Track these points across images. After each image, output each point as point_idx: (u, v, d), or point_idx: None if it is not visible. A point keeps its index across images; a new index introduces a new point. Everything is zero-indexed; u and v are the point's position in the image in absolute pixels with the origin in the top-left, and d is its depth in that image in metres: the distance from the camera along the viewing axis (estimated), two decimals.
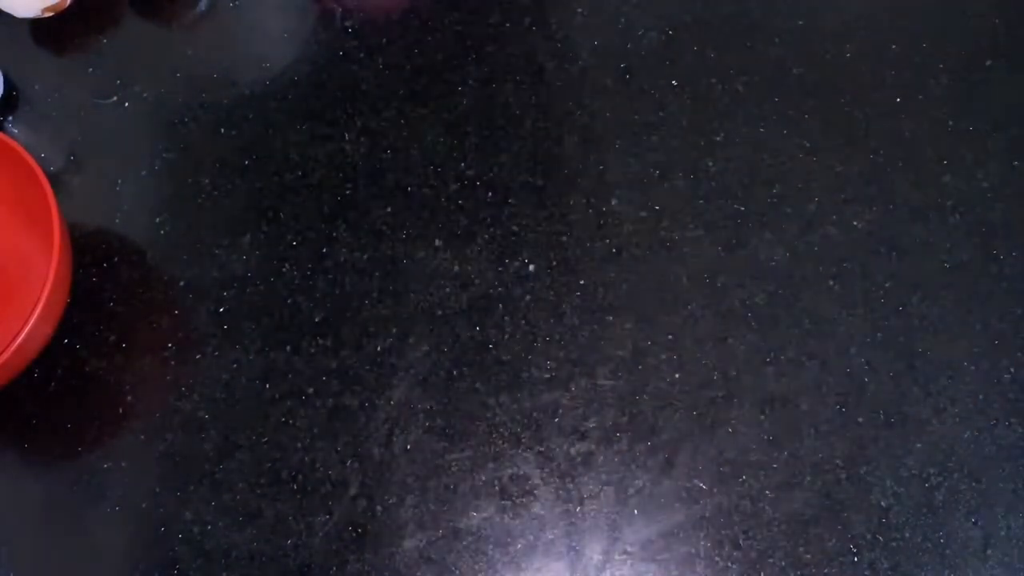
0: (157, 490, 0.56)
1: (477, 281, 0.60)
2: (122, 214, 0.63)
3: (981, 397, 0.57)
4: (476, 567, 0.54)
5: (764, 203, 0.62)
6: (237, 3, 0.70)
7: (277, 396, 0.58)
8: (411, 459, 0.56)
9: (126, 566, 0.55)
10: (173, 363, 0.59)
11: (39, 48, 0.70)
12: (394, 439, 0.57)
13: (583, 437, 0.56)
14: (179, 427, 0.58)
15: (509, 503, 0.55)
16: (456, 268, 0.60)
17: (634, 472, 0.56)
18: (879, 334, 0.58)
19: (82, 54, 0.69)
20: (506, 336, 0.59)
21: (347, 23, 0.68)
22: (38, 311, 0.53)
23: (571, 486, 0.55)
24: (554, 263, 0.60)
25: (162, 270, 0.61)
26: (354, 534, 0.55)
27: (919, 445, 0.56)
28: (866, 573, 0.53)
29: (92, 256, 0.62)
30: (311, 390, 0.58)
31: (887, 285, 0.59)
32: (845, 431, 0.56)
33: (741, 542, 0.54)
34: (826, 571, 0.53)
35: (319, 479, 0.56)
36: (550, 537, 0.54)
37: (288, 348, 0.59)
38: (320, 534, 0.55)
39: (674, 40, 0.66)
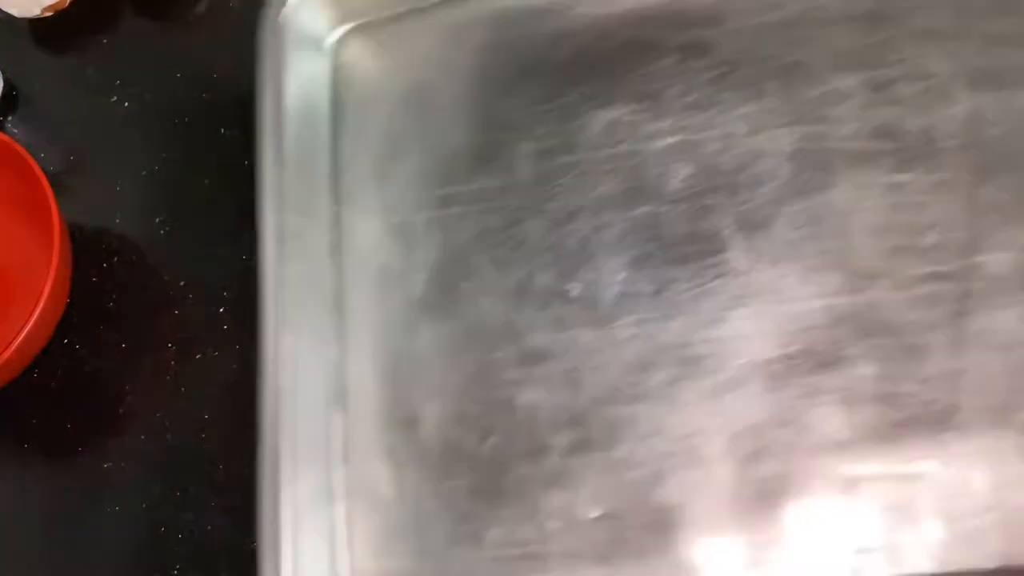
0: (157, 490, 0.56)
1: None
2: (122, 214, 0.63)
3: None
4: None
5: None
6: (237, 3, 0.69)
7: None
8: None
9: (126, 566, 0.55)
10: (173, 363, 0.59)
11: (39, 48, 0.70)
12: None
13: None
14: (179, 427, 0.58)
15: None
16: None
17: None
18: None
19: (82, 54, 0.69)
20: None
21: None
22: (38, 311, 0.53)
23: None
24: None
25: (162, 270, 0.61)
26: None
27: None
28: None
29: (92, 256, 0.62)
30: None
31: None
32: None
33: None
34: None
35: None
36: None
37: None
38: None
39: None
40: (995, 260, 0.49)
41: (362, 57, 0.64)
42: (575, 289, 0.55)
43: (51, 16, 0.68)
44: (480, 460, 0.53)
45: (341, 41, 0.65)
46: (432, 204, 0.59)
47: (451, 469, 0.53)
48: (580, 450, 0.52)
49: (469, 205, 0.58)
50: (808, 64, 0.55)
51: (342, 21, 0.64)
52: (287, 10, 0.62)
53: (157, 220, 0.63)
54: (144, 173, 0.64)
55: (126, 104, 0.66)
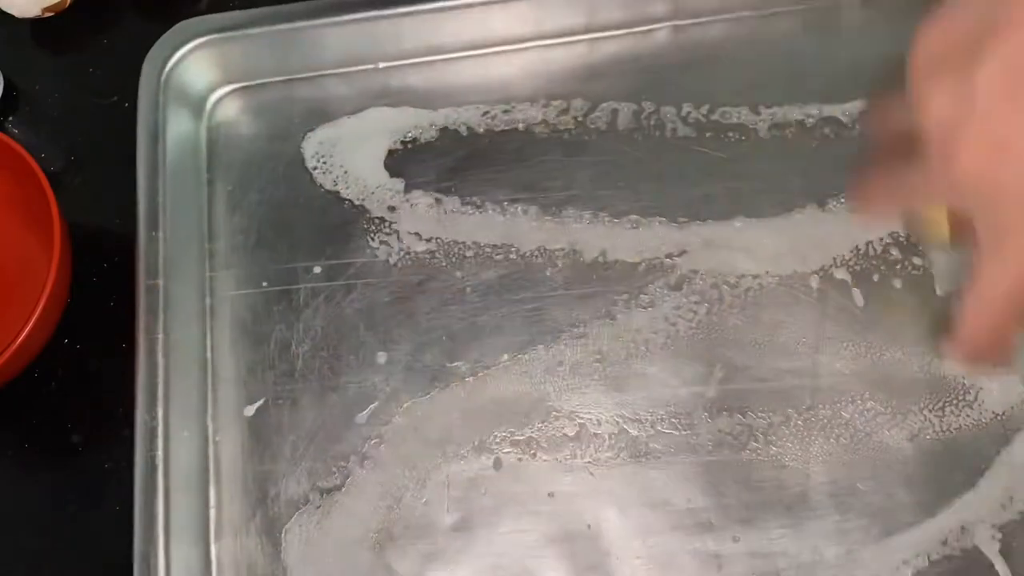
0: None
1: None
2: (122, 214, 0.62)
3: None
4: None
5: None
6: (237, 3, 0.69)
7: None
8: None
9: (126, 566, 0.54)
10: None
11: (39, 48, 0.70)
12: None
13: None
14: None
15: None
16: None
17: None
18: None
19: (82, 54, 0.69)
20: None
21: None
22: (38, 311, 0.54)
23: None
24: None
25: None
26: None
27: None
28: None
29: (92, 256, 0.62)
30: None
31: None
32: None
33: None
34: None
35: None
36: None
37: None
38: None
39: None
40: (838, 358, 0.55)
41: (243, 122, 0.64)
42: (461, 367, 0.57)
43: (51, 16, 0.68)
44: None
45: (221, 102, 0.64)
46: (316, 275, 0.59)
47: None
48: (466, 528, 0.53)
49: (355, 279, 0.59)
50: (679, 169, 0.60)
51: (225, 82, 0.64)
52: (168, 68, 0.61)
53: None
54: None
55: (126, 104, 0.65)
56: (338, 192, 0.61)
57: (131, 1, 0.70)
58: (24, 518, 0.57)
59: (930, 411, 0.54)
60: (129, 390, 0.56)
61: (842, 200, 0.58)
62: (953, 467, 0.53)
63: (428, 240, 0.60)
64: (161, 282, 0.56)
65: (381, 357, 0.57)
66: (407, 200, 0.61)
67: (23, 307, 0.55)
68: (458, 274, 0.59)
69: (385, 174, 0.61)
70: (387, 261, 0.59)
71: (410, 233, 0.60)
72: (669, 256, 0.58)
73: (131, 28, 0.70)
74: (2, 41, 0.70)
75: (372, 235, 0.60)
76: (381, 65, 0.64)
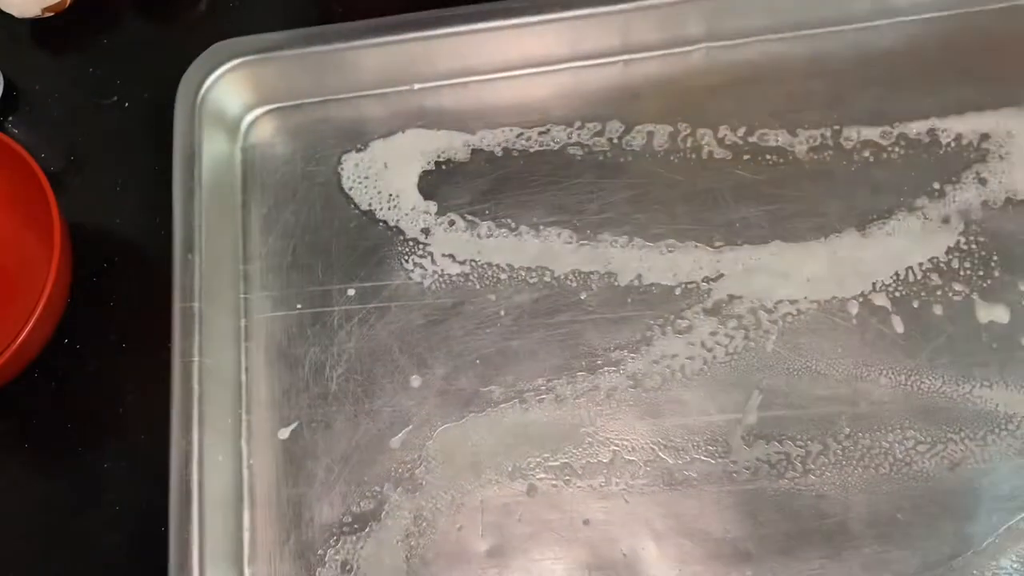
0: (157, 490, 0.54)
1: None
2: (122, 214, 0.62)
3: None
4: None
5: None
6: (237, 3, 0.69)
7: None
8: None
9: (126, 566, 0.54)
10: None
11: (39, 48, 0.70)
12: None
13: None
14: None
15: None
16: None
17: None
18: None
19: (82, 54, 0.69)
20: None
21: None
22: (38, 311, 0.53)
23: None
24: None
25: (162, 270, 0.59)
26: None
27: None
28: None
29: (92, 256, 0.61)
30: None
31: None
32: None
33: None
34: None
35: None
36: None
37: None
38: None
39: None
40: (878, 386, 0.55)
41: (278, 143, 0.64)
42: (495, 391, 0.56)
43: (51, 16, 0.68)
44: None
45: (256, 124, 0.64)
46: (350, 298, 0.59)
47: None
48: (500, 554, 0.53)
49: (389, 301, 0.59)
50: (715, 192, 0.60)
51: (260, 103, 0.64)
52: (203, 89, 0.62)
53: (157, 220, 0.61)
54: (144, 173, 0.64)
55: (126, 104, 0.66)
56: (373, 214, 0.61)
57: (131, 1, 0.70)
58: (24, 518, 0.57)
59: (971, 440, 0.53)
60: (129, 389, 0.57)
61: (882, 224, 0.57)
62: (995, 497, 0.52)
63: (462, 263, 0.59)
64: (196, 304, 0.56)
65: (415, 381, 0.57)
66: (441, 222, 0.60)
67: (23, 307, 0.55)
68: (492, 297, 0.58)
69: (419, 196, 0.61)
70: (421, 284, 0.59)
71: (444, 255, 0.60)
72: (705, 280, 0.57)
73: (131, 28, 0.70)
74: (2, 41, 0.69)
75: (406, 257, 0.60)
76: (416, 86, 0.64)
